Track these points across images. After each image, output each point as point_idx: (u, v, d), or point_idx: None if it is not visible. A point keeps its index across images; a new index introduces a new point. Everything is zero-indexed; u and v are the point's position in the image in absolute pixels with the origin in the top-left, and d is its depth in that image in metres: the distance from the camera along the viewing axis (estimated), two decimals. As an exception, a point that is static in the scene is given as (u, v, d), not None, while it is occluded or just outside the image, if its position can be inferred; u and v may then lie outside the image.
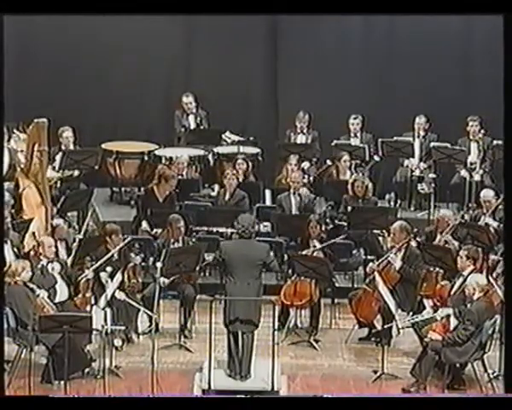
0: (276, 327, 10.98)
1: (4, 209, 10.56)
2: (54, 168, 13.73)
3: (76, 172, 13.98)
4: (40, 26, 15.12)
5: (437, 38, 15.32)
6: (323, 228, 12.46)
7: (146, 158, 14.51)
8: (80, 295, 11.12)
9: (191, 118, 15.10)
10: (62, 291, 11.14)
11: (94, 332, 10.54)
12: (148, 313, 11.07)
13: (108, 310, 11.02)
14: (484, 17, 15.04)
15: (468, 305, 10.69)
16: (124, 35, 15.43)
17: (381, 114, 15.06)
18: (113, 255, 11.48)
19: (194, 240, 12.49)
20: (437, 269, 11.69)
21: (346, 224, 12.93)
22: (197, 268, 11.81)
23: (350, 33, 15.67)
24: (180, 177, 13.92)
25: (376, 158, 14.49)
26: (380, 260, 11.77)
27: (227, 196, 13.39)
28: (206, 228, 12.74)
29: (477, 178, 14.18)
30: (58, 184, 13.77)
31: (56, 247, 11.59)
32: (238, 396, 9.22)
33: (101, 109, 15.27)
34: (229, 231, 12.09)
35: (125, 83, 15.42)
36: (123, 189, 14.65)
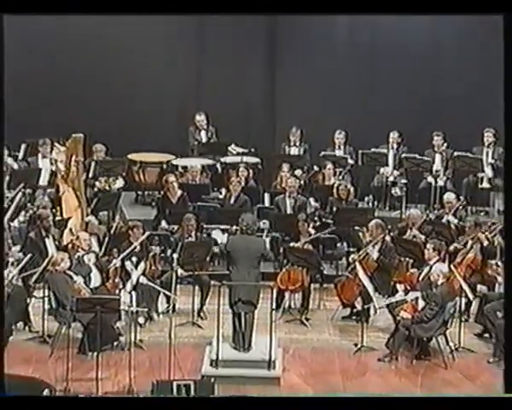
0: (274, 307, 10.99)
1: (4, 209, 10.30)
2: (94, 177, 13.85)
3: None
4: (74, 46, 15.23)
5: (409, 64, 15.34)
6: (312, 225, 12.46)
7: (165, 167, 14.52)
8: (110, 281, 11.17)
9: (203, 133, 15.11)
10: (96, 278, 11.21)
11: (122, 312, 10.57)
12: (167, 293, 11.10)
13: (134, 293, 11.15)
14: (454, 40, 15.09)
15: (434, 289, 10.78)
16: (145, 62, 15.50)
17: (362, 129, 15.01)
18: (136, 247, 11.51)
19: (205, 235, 12.51)
20: (407, 259, 11.73)
21: (331, 222, 12.91)
22: (207, 259, 11.92)
23: (337, 58, 15.65)
24: (192, 182, 13.97)
25: (350, 161, 14.54)
26: (360, 252, 11.78)
27: (232, 200, 13.39)
28: (214, 225, 12.72)
29: (441, 183, 14.18)
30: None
31: (90, 240, 11.63)
32: (238, 396, 8.59)
33: (127, 126, 15.24)
34: (234, 228, 12.08)
35: (148, 104, 15.42)
36: (145, 192, 14.63)
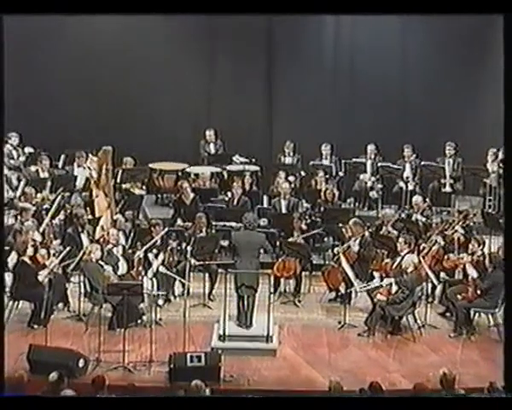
0: (271, 291, 11.00)
1: (3, 209, 9.64)
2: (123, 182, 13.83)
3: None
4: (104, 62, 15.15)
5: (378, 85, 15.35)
6: (304, 223, 12.46)
7: (180, 174, 14.48)
8: (135, 269, 11.15)
9: (212, 146, 15.10)
10: (123, 267, 11.22)
11: (144, 295, 10.61)
12: (182, 280, 11.12)
13: (154, 279, 11.19)
14: (421, 59, 15.08)
15: (404, 276, 10.80)
16: (167, 89, 15.46)
17: (344, 142, 15.01)
18: (156, 241, 11.53)
19: (213, 231, 12.49)
20: (383, 251, 11.70)
21: (320, 220, 12.90)
22: (216, 251, 11.90)
23: (324, 84, 15.62)
24: (203, 187, 13.95)
25: (341, 174, 14.59)
26: (343, 245, 11.80)
27: (235, 202, 13.37)
28: (221, 223, 12.71)
29: (410, 187, 14.19)
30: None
31: (118, 235, 11.62)
32: (238, 396, 7.77)
33: (149, 140, 15.21)
34: (238, 225, 12.07)
35: (167, 122, 15.41)
36: (164, 195, 14.59)
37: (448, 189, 14.39)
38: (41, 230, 11.67)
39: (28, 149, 14.54)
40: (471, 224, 12.25)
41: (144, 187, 14.24)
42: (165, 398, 7.04)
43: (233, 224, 12.51)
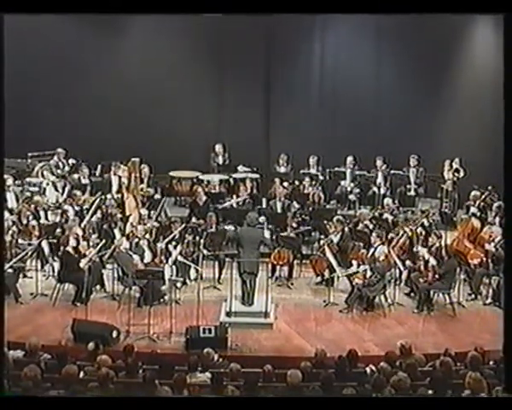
0: (269, 276, 11.04)
1: (4, 212, 9.36)
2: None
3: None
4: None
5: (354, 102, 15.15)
6: (295, 220, 12.44)
7: (194, 180, 14.46)
8: (157, 258, 11.15)
9: (220, 157, 15.04)
10: (148, 256, 11.19)
11: (165, 279, 10.59)
12: (196, 267, 11.13)
13: (174, 266, 11.17)
14: (392, 82, 15.02)
15: (377, 263, 10.81)
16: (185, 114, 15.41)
17: (328, 154, 14.96)
18: (175, 235, 11.52)
19: (221, 227, 12.45)
20: (359, 243, 11.66)
21: (308, 218, 12.89)
22: (223, 243, 11.91)
23: (311, 106, 15.46)
24: (213, 191, 13.92)
25: (325, 180, 14.50)
26: (327, 238, 11.79)
27: (240, 203, 13.38)
28: (228, 220, 12.71)
29: (382, 192, 14.16)
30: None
31: (143, 230, 11.49)
32: (235, 396, 6.86)
33: (170, 153, 15.08)
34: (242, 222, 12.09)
35: (184, 140, 15.28)
36: (181, 198, 14.51)
37: (412, 193, 14.38)
38: (82, 226, 11.69)
39: (72, 161, 14.57)
40: (431, 221, 12.26)
41: (160, 194, 14.11)
42: (166, 398, 6.32)
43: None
